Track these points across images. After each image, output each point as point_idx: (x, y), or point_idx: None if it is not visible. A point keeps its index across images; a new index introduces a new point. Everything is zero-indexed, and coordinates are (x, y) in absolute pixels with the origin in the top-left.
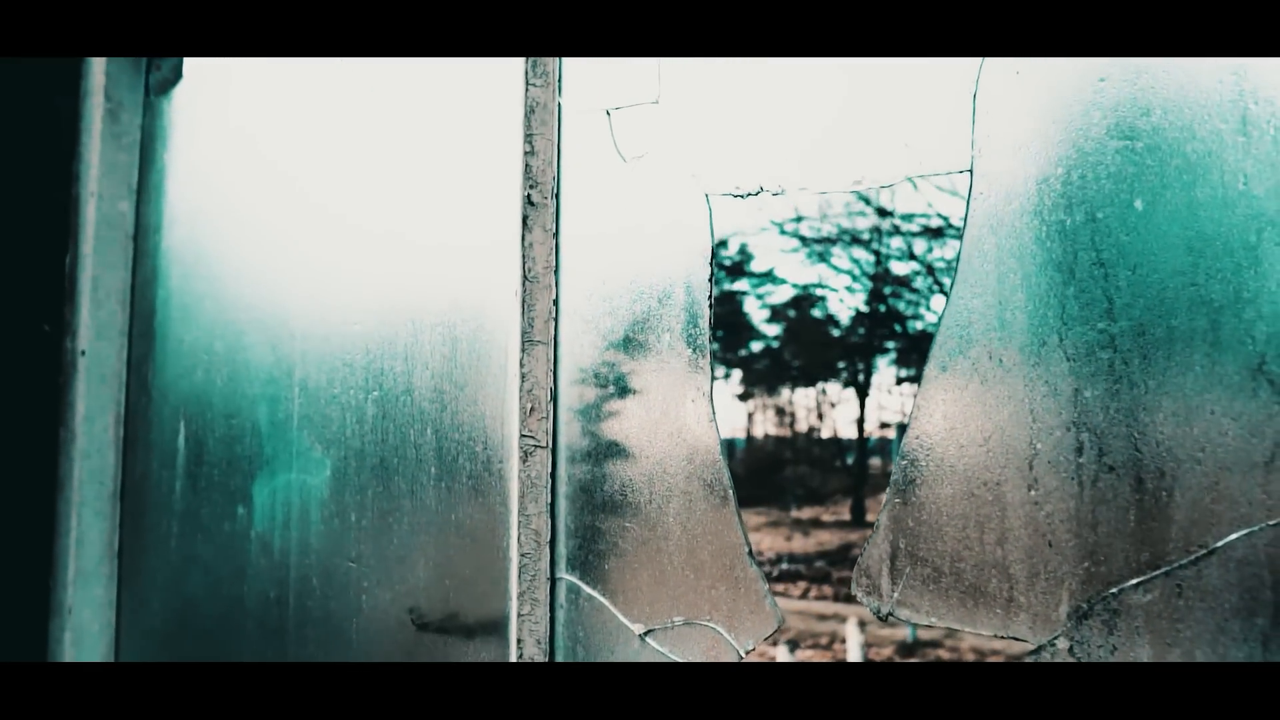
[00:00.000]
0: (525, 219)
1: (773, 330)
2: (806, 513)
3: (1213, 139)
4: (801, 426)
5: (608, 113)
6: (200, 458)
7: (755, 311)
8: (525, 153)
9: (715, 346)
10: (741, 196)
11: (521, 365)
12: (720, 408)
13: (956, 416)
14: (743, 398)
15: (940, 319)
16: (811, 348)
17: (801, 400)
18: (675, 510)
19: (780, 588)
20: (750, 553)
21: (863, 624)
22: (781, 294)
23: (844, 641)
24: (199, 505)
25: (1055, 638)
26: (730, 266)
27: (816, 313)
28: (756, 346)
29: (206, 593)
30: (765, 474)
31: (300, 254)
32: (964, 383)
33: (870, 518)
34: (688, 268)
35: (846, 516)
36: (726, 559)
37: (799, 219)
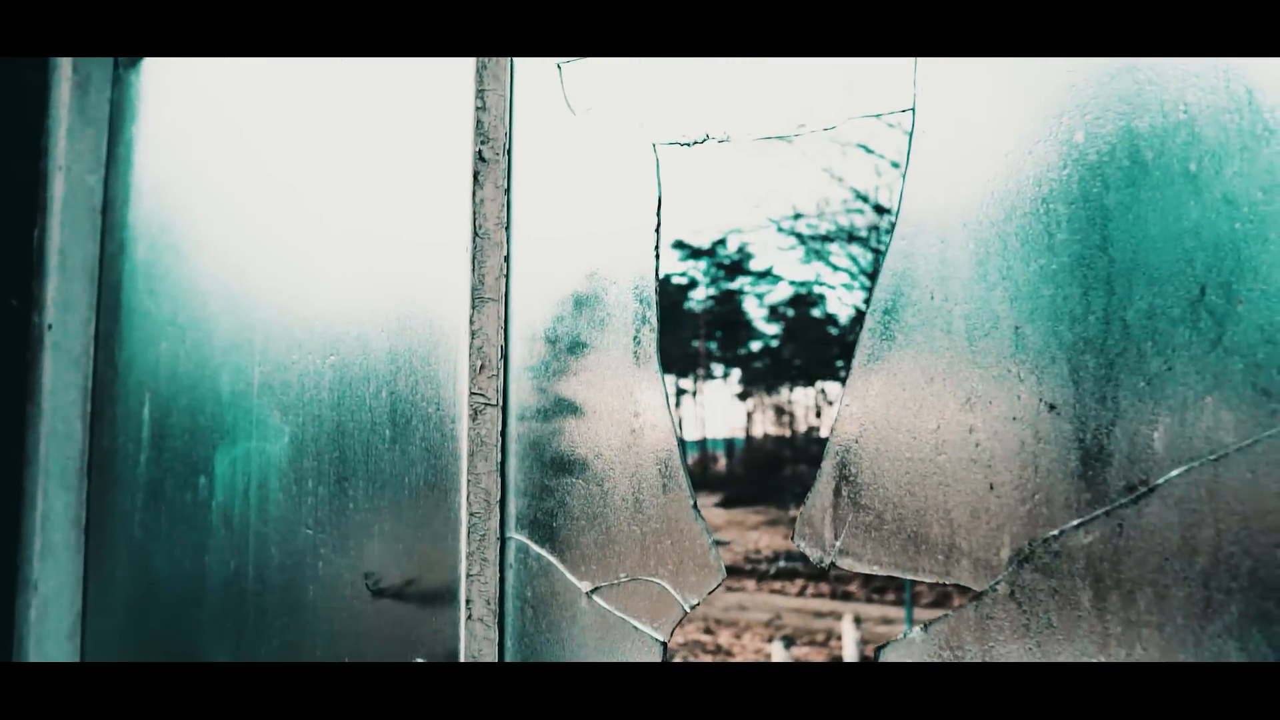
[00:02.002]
0: (476, 175)
1: (771, 329)
2: None
3: (1153, 69)
4: (800, 425)
5: (558, 66)
6: (164, 429)
7: (754, 310)
8: (477, 108)
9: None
10: (687, 145)
11: (471, 323)
12: (718, 406)
13: (898, 359)
14: (741, 397)
15: (882, 261)
16: (810, 346)
17: (800, 399)
18: (622, 465)
19: (777, 585)
20: (695, 505)
21: (858, 621)
22: (780, 292)
23: (840, 638)
24: (163, 477)
25: (996, 582)
26: (729, 265)
27: (815, 311)
28: (755, 346)
29: (170, 565)
30: (764, 473)
31: (260, 220)
32: (907, 325)
33: None
34: (635, 220)
35: None
36: (672, 513)
37: (797, 216)
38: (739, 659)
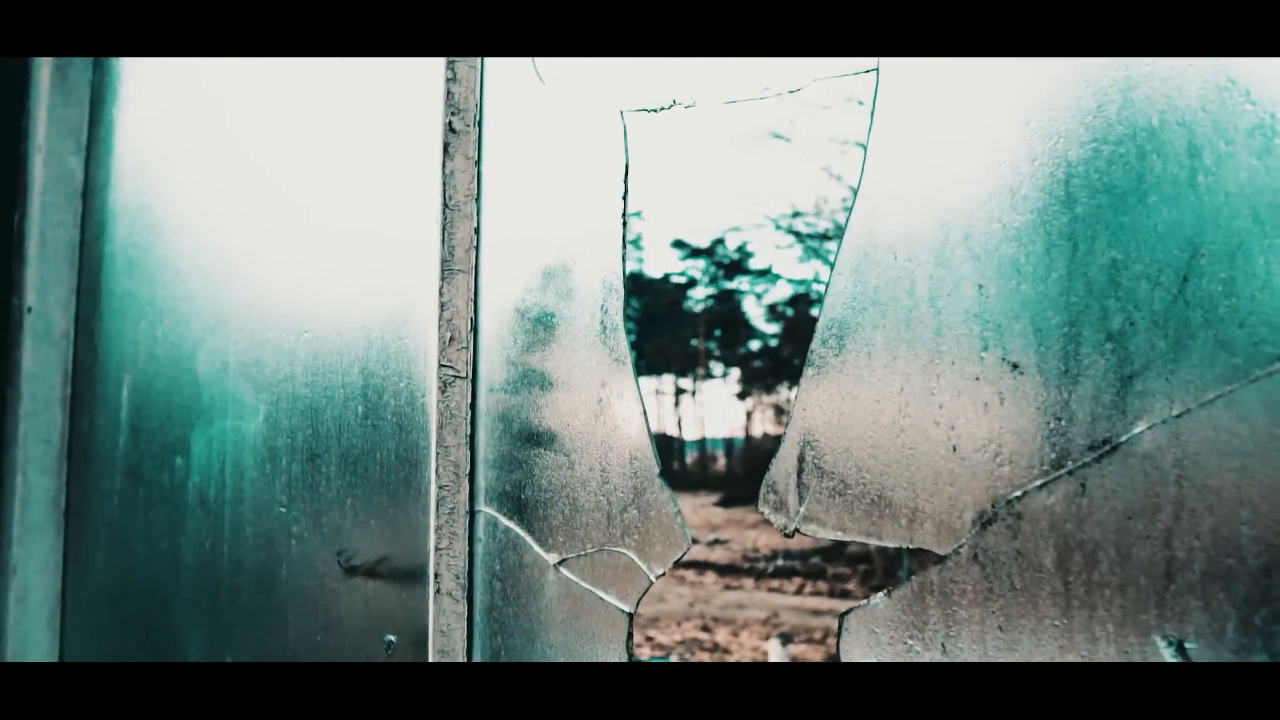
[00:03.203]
0: (447, 146)
1: (771, 328)
2: None
3: None
4: None
5: None
6: (142, 410)
7: (753, 309)
8: (447, 79)
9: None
10: (654, 111)
11: (441, 295)
12: (718, 406)
13: (862, 321)
14: (740, 396)
15: (847, 222)
16: (809, 345)
17: None
18: (589, 435)
19: (775, 583)
20: (661, 474)
21: None
22: (779, 291)
23: (837, 636)
24: (141, 458)
25: (959, 546)
26: (728, 264)
27: (814, 310)
28: (754, 345)
29: (149, 546)
30: (763, 472)
31: (237, 199)
32: (870, 286)
33: None
34: (603, 189)
35: None
36: (638, 482)
37: (796, 214)
38: (736, 657)
